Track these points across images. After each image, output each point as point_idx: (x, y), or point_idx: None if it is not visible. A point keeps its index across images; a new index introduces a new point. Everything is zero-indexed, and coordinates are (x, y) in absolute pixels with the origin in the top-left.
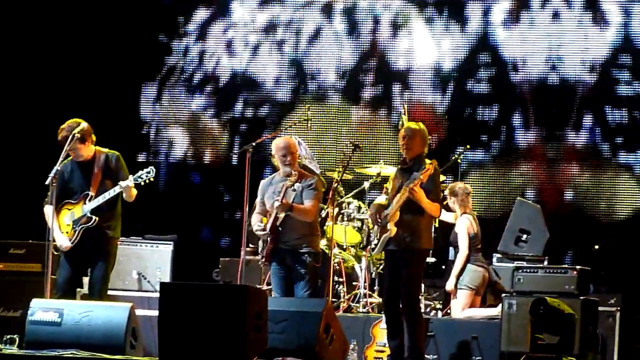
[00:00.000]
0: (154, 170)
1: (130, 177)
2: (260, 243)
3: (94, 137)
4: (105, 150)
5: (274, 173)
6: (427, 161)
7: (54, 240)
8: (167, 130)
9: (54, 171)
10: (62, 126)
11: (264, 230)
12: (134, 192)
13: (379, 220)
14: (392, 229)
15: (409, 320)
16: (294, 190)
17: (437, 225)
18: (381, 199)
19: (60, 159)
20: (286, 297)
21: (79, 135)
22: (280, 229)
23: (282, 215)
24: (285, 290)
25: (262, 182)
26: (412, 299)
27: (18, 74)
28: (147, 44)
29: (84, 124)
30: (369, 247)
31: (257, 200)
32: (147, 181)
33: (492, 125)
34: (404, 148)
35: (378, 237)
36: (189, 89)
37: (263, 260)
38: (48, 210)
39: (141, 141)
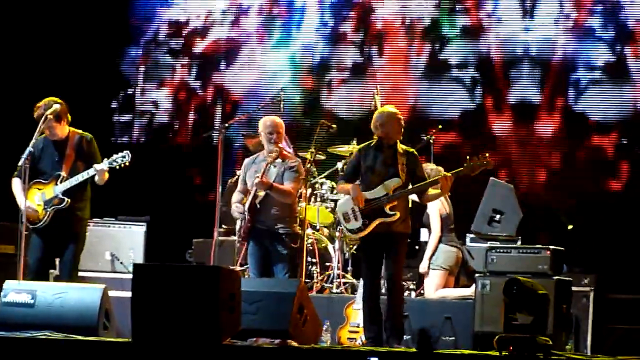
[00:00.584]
0: (129, 155)
1: (106, 160)
2: (238, 222)
3: (69, 117)
4: (79, 131)
5: (248, 154)
6: (405, 146)
7: (27, 222)
8: (150, 93)
9: (27, 152)
10: (39, 104)
11: (242, 212)
12: (106, 176)
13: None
14: (396, 214)
15: (396, 301)
16: (275, 167)
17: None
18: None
19: (34, 138)
20: (260, 278)
21: (53, 116)
22: (258, 207)
23: (261, 194)
24: (262, 271)
25: (246, 160)
26: (401, 281)
27: None
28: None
29: (60, 103)
30: (348, 227)
31: (240, 178)
32: (122, 166)
33: (465, 106)
34: (382, 131)
35: (362, 218)
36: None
37: (240, 239)
38: (16, 183)
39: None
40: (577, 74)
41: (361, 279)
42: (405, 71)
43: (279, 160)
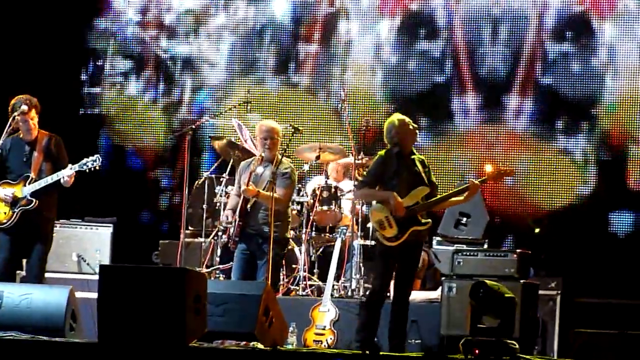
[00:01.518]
0: (100, 158)
1: (75, 166)
2: (231, 227)
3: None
4: (47, 133)
5: (215, 156)
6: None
7: None
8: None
9: None
10: (13, 100)
11: (228, 223)
12: (72, 178)
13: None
14: (429, 222)
15: (406, 311)
16: (267, 171)
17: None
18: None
19: (4, 135)
20: (226, 280)
21: (26, 116)
22: (249, 211)
23: (252, 199)
24: (245, 273)
25: (241, 164)
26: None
27: None
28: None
29: (32, 104)
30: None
31: (235, 182)
32: (92, 169)
33: (433, 107)
34: (394, 141)
35: (397, 226)
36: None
37: (231, 242)
38: None
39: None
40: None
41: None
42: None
43: (270, 165)
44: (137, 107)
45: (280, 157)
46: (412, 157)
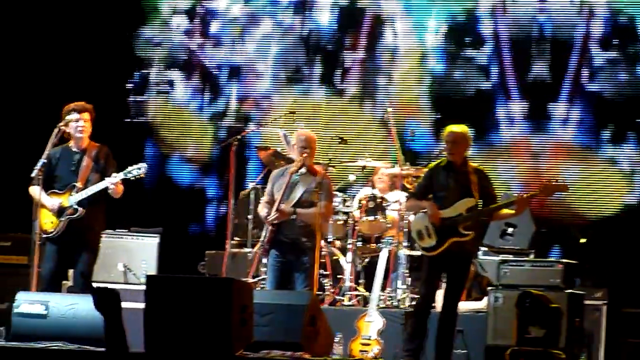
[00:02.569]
0: (145, 167)
1: (120, 174)
2: (263, 233)
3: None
4: (97, 144)
5: (261, 166)
6: (473, 164)
7: (39, 232)
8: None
9: (40, 162)
10: (68, 106)
11: (265, 217)
12: (121, 188)
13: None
14: (471, 234)
15: (451, 320)
16: (303, 181)
17: None
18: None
19: (47, 148)
20: (273, 290)
21: (79, 116)
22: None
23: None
24: (281, 283)
25: (274, 172)
26: (458, 304)
27: None
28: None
29: (88, 107)
30: (422, 245)
31: (267, 190)
32: (137, 177)
33: (478, 116)
34: (450, 153)
35: (436, 236)
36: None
37: (262, 251)
38: (35, 188)
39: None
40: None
41: (380, 288)
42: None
43: (307, 174)
44: (183, 116)
45: (324, 168)
46: (465, 168)
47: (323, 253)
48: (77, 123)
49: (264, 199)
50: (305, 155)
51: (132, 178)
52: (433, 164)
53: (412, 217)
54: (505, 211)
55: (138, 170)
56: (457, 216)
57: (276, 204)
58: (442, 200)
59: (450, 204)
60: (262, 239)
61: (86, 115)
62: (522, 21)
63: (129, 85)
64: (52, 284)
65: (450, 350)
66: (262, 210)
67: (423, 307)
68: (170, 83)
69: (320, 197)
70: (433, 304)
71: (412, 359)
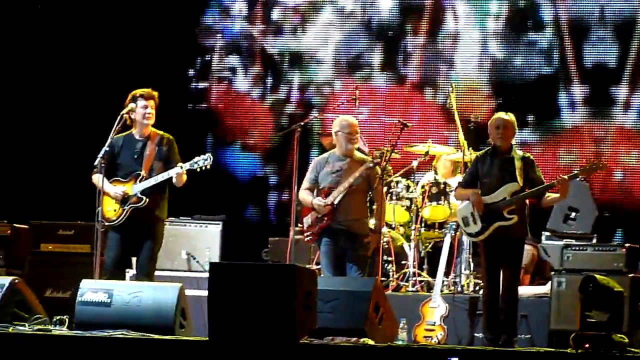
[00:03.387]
0: (211, 158)
1: (186, 164)
2: (308, 220)
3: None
4: (160, 132)
5: (323, 153)
6: (520, 151)
7: (102, 220)
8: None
9: (103, 151)
10: (134, 93)
11: (325, 205)
12: (184, 178)
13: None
14: (514, 217)
15: (511, 304)
16: (347, 168)
17: None
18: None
19: (110, 137)
20: (336, 277)
21: (152, 104)
22: (336, 207)
23: (340, 195)
24: (336, 270)
25: (318, 159)
26: (517, 286)
27: (59, 51)
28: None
29: (153, 93)
30: (467, 230)
31: (308, 177)
32: (203, 168)
33: (539, 101)
34: (498, 137)
35: (481, 222)
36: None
37: (310, 237)
38: (98, 176)
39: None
40: None
41: (439, 276)
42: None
43: (353, 161)
44: (245, 103)
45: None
46: (508, 154)
47: (386, 239)
48: (146, 110)
49: (305, 185)
50: (353, 141)
51: (197, 169)
52: (479, 152)
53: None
54: (552, 196)
55: (204, 161)
56: (500, 201)
57: (333, 194)
58: (487, 186)
59: (494, 189)
60: (307, 225)
61: (152, 103)
62: (583, 4)
63: (191, 73)
64: (115, 272)
65: (513, 335)
66: (307, 196)
67: (489, 296)
68: (232, 70)
69: (373, 183)
70: (500, 291)
71: (494, 345)
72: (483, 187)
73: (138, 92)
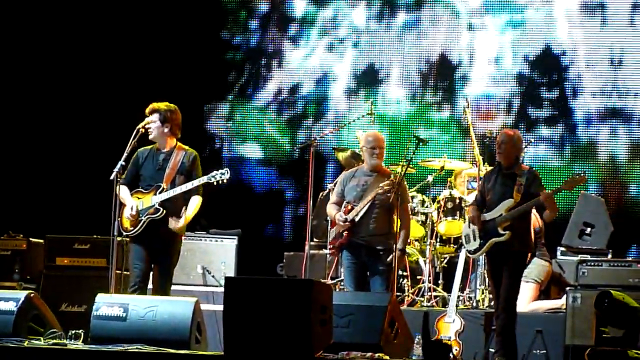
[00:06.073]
0: (229, 172)
1: (204, 178)
2: (332, 233)
3: (178, 132)
4: (185, 147)
5: (339, 167)
6: (525, 166)
7: (119, 234)
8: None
9: (119, 165)
10: (153, 105)
11: (345, 221)
12: (181, 226)
13: (480, 224)
14: (507, 233)
15: (505, 320)
16: (372, 183)
17: None
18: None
19: (129, 144)
20: (352, 291)
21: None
22: (357, 221)
23: (362, 209)
24: (358, 284)
25: (345, 173)
26: (513, 299)
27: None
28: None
29: (168, 108)
30: (467, 248)
31: (336, 191)
32: (220, 182)
33: (554, 119)
34: (499, 153)
35: (479, 239)
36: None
37: (332, 250)
38: (124, 189)
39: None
40: None
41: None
42: None
43: (379, 175)
44: (262, 118)
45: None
46: (511, 170)
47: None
48: (148, 125)
49: (333, 199)
50: (375, 155)
51: (215, 183)
52: (487, 170)
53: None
54: (547, 211)
55: (222, 175)
56: (497, 217)
57: (356, 209)
58: (489, 202)
59: (495, 206)
60: (331, 238)
61: (153, 117)
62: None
63: (209, 87)
64: (141, 287)
65: (512, 355)
66: (332, 211)
67: (495, 309)
68: (249, 83)
69: (399, 199)
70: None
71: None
72: (487, 204)
73: (149, 107)
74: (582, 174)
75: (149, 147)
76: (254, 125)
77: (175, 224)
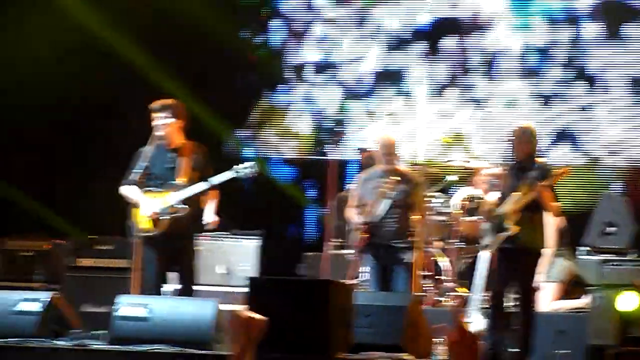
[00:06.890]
0: (257, 165)
1: (229, 172)
2: (352, 234)
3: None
4: (193, 142)
5: (360, 168)
6: (541, 160)
7: (137, 233)
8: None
9: (142, 166)
10: (162, 102)
11: (363, 224)
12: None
13: (492, 219)
14: (514, 228)
15: (524, 316)
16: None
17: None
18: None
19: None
20: (373, 292)
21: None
22: (375, 224)
23: (379, 211)
24: (382, 285)
25: (363, 175)
26: (529, 294)
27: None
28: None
29: (176, 104)
30: (483, 243)
31: (354, 194)
32: (250, 176)
33: (578, 119)
34: (514, 148)
35: (491, 234)
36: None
37: (355, 251)
38: (126, 190)
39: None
40: None
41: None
42: None
43: (396, 177)
44: (284, 117)
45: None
46: (524, 164)
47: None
48: (157, 121)
49: (351, 202)
50: (388, 159)
51: (243, 176)
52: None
53: None
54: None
55: (251, 169)
56: (504, 213)
57: (373, 212)
58: (503, 198)
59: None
60: (352, 241)
61: (155, 115)
62: None
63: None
64: (157, 287)
65: (527, 351)
66: (352, 214)
67: (497, 296)
68: (270, 82)
69: (416, 200)
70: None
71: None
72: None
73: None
74: (565, 169)
75: (154, 144)
76: (276, 123)
77: (212, 218)
